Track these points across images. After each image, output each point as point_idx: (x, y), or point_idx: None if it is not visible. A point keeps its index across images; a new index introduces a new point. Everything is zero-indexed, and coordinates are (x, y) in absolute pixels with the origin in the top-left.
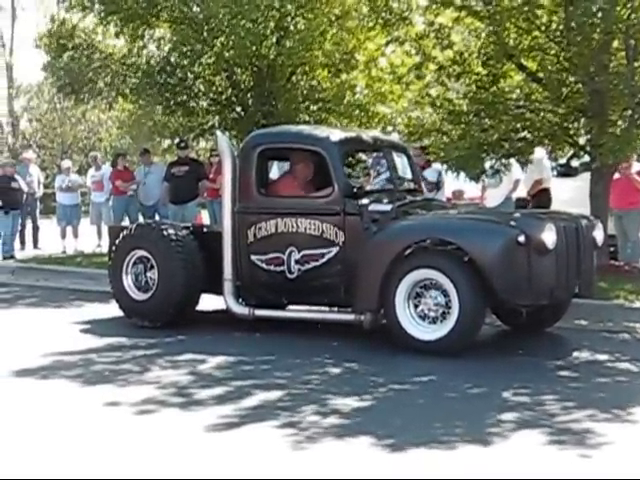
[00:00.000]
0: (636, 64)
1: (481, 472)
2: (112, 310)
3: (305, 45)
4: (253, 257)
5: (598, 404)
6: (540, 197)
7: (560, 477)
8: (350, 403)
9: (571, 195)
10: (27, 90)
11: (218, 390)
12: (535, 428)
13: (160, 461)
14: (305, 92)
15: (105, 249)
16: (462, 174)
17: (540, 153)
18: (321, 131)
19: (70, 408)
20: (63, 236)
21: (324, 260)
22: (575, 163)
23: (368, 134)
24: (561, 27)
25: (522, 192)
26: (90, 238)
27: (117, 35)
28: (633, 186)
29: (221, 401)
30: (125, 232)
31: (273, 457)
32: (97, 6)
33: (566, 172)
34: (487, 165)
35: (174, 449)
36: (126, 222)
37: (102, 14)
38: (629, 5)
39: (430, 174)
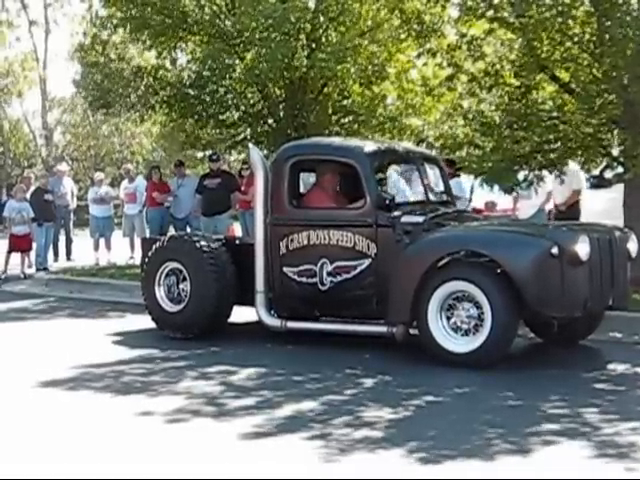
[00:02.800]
0: None
1: None
2: (145, 322)
3: (337, 58)
4: (285, 269)
5: (638, 417)
6: (571, 209)
7: None
8: (382, 415)
9: (604, 207)
10: (60, 103)
11: (249, 401)
12: (577, 440)
13: (190, 469)
14: (336, 104)
15: (138, 261)
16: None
17: (574, 165)
18: (353, 143)
19: (100, 418)
20: (96, 248)
21: (356, 272)
22: (609, 174)
23: (400, 146)
24: (594, 38)
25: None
26: (123, 250)
27: (148, 49)
28: None
29: (252, 411)
30: (158, 244)
31: (303, 468)
32: (127, 23)
33: (599, 184)
34: (520, 177)
35: (205, 457)
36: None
37: (133, 29)
38: None
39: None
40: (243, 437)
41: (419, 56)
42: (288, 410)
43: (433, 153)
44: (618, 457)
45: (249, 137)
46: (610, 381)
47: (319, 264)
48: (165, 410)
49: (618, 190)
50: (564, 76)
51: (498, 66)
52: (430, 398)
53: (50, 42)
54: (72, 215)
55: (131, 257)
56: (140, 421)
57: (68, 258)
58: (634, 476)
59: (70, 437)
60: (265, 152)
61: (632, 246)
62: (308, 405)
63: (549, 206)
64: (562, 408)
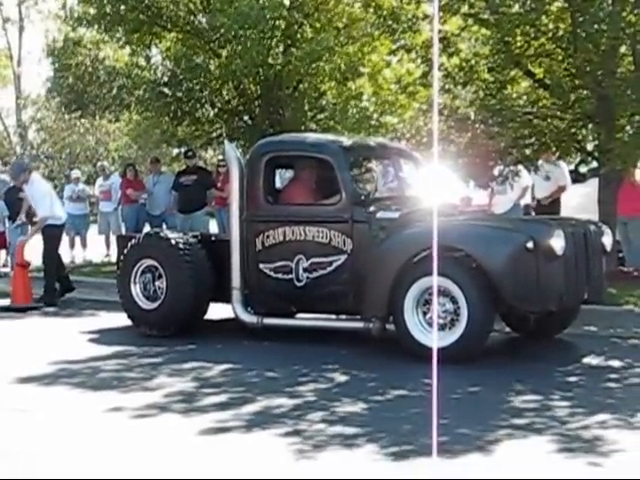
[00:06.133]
0: None
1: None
2: (120, 319)
3: (312, 57)
4: (261, 265)
5: (609, 410)
6: (552, 204)
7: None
8: (357, 410)
9: (579, 201)
10: (35, 101)
11: (222, 397)
12: (544, 435)
13: (156, 465)
14: (312, 101)
15: (113, 259)
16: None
17: (560, 161)
18: (328, 139)
19: (70, 413)
20: (72, 246)
21: (332, 268)
22: (583, 169)
23: (375, 141)
24: (568, 34)
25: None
26: (98, 248)
27: (123, 46)
28: (638, 192)
29: (224, 408)
30: (133, 242)
31: (277, 464)
32: (101, 20)
33: (574, 178)
34: (495, 172)
35: (172, 453)
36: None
37: (107, 26)
38: (636, 11)
39: None
40: (214, 432)
41: (393, 53)
42: (260, 406)
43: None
44: (582, 451)
45: (225, 134)
46: (583, 375)
47: (295, 260)
48: (135, 406)
49: (592, 185)
50: (538, 71)
51: (472, 62)
52: (404, 393)
53: (24, 39)
54: None
55: (107, 255)
56: (109, 417)
57: None
58: (595, 470)
59: (34, 433)
60: (241, 149)
61: (607, 240)
62: (282, 401)
63: (525, 201)
64: (533, 402)
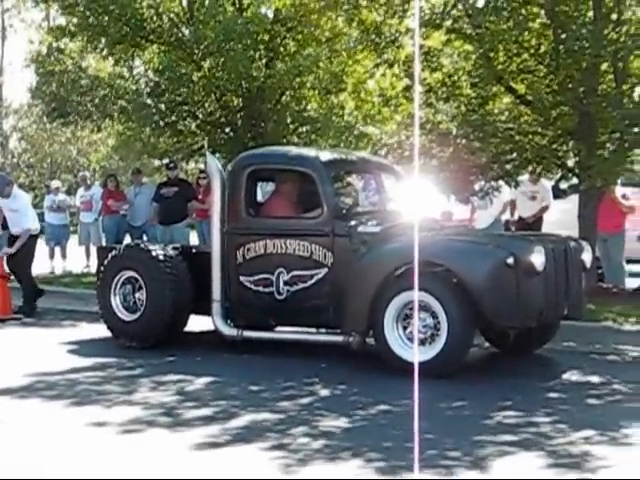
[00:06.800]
0: (624, 87)
1: None
2: (100, 331)
3: (295, 71)
4: (242, 278)
5: (593, 426)
6: (536, 222)
7: None
8: (339, 425)
9: (559, 217)
10: (16, 110)
11: (206, 411)
12: (531, 450)
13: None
14: (294, 114)
15: (93, 269)
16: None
17: (545, 181)
18: (310, 152)
19: (51, 427)
20: (51, 256)
21: (313, 281)
22: (564, 185)
23: (357, 155)
24: (550, 50)
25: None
26: (78, 258)
27: (105, 58)
28: (618, 209)
29: (209, 422)
30: (114, 253)
31: (261, 478)
32: (84, 31)
33: (555, 194)
34: (476, 187)
35: (159, 468)
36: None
37: (90, 37)
38: (617, 29)
39: None
40: (199, 447)
41: (377, 67)
42: (244, 420)
43: (390, 162)
44: (571, 467)
45: (207, 146)
46: (564, 390)
47: (276, 273)
48: (119, 420)
49: (572, 201)
50: (520, 88)
51: (455, 77)
52: (386, 407)
53: (6, 48)
54: None
55: (87, 265)
56: (92, 431)
57: None
58: None
59: (21, 447)
60: (222, 161)
61: (586, 256)
62: (264, 415)
63: (505, 216)
64: (516, 418)
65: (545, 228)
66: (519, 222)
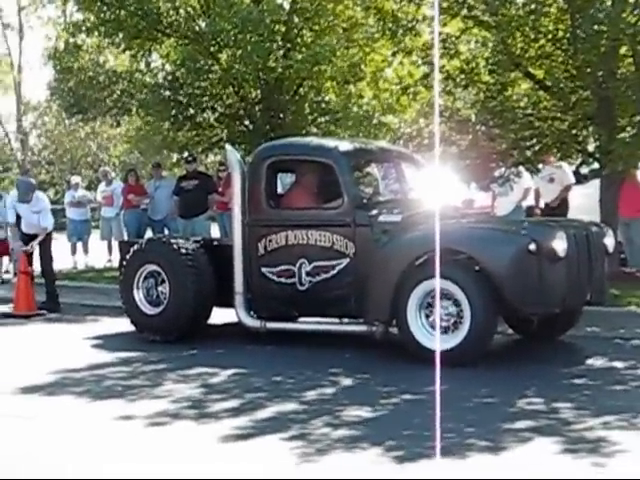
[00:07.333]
0: None
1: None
2: (123, 325)
3: (313, 60)
4: (264, 269)
5: (612, 412)
6: (560, 206)
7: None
8: (362, 414)
9: (581, 202)
10: (36, 107)
11: (230, 403)
12: (549, 436)
13: (172, 471)
14: (313, 104)
15: (116, 264)
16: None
17: (563, 163)
18: (330, 142)
19: (79, 422)
20: (74, 252)
21: (335, 272)
22: (584, 170)
23: (377, 144)
24: (568, 35)
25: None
26: (100, 253)
27: (123, 51)
28: (639, 193)
29: (233, 413)
30: (135, 247)
31: (283, 468)
32: (101, 26)
33: (576, 179)
34: (497, 174)
35: (187, 459)
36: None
37: (106, 32)
38: (636, 11)
39: None
40: (224, 439)
41: (394, 55)
42: (268, 411)
43: (409, 151)
44: (587, 452)
45: (226, 138)
46: (587, 376)
47: (298, 264)
48: (145, 413)
49: (594, 186)
50: (539, 73)
51: (473, 64)
52: (409, 396)
53: (24, 46)
54: None
55: (109, 260)
56: (120, 425)
57: None
58: (600, 471)
59: (49, 442)
60: (242, 153)
61: (609, 241)
62: (288, 406)
63: (527, 202)
64: (538, 404)
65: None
66: (545, 208)
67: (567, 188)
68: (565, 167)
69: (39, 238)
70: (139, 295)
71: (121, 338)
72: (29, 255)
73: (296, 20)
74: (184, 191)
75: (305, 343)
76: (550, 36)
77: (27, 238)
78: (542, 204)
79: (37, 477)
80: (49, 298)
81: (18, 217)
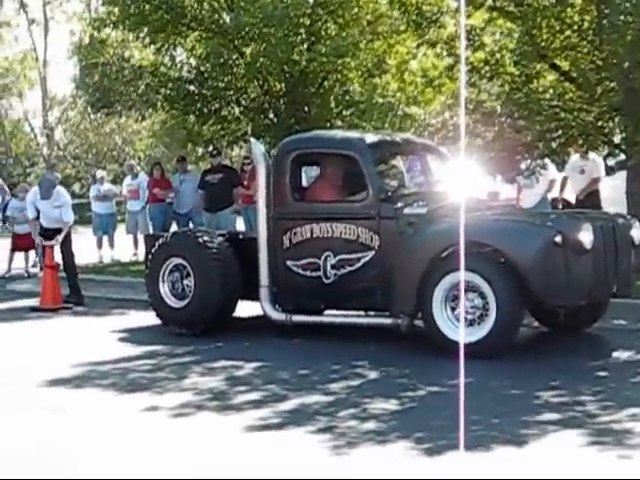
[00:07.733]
0: None
1: (518, 473)
2: (149, 318)
3: (337, 53)
4: (289, 263)
5: (638, 404)
6: (591, 197)
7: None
8: (388, 407)
9: (607, 194)
10: (61, 101)
11: (255, 395)
12: (575, 428)
13: (197, 462)
14: (337, 97)
15: (141, 258)
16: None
17: (593, 154)
18: (354, 135)
19: (106, 413)
20: (99, 246)
21: (360, 264)
22: (611, 162)
23: (402, 137)
24: (593, 26)
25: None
26: (126, 247)
27: (148, 45)
28: None
29: (258, 405)
30: (161, 240)
31: (310, 461)
32: (125, 20)
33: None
34: (522, 166)
35: (211, 451)
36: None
37: (132, 26)
38: None
39: None
40: (249, 430)
41: (418, 47)
42: (294, 403)
43: (435, 143)
44: (613, 445)
45: (250, 132)
46: (613, 369)
47: (323, 257)
48: (171, 405)
49: (620, 177)
50: (564, 64)
51: (498, 55)
52: (435, 389)
53: (49, 40)
54: None
55: (134, 254)
56: (146, 417)
57: None
58: (626, 463)
59: (75, 434)
60: (266, 146)
61: (635, 233)
62: (314, 398)
63: (552, 194)
64: (563, 396)
65: None
66: (575, 200)
67: (595, 180)
68: (597, 159)
69: (64, 232)
70: (164, 288)
71: (147, 331)
72: (52, 249)
73: (320, 13)
74: (209, 185)
75: (330, 336)
76: (576, 27)
77: (48, 232)
78: (568, 195)
79: (54, 472)
80: (72, 291)
81: (37, 212)
